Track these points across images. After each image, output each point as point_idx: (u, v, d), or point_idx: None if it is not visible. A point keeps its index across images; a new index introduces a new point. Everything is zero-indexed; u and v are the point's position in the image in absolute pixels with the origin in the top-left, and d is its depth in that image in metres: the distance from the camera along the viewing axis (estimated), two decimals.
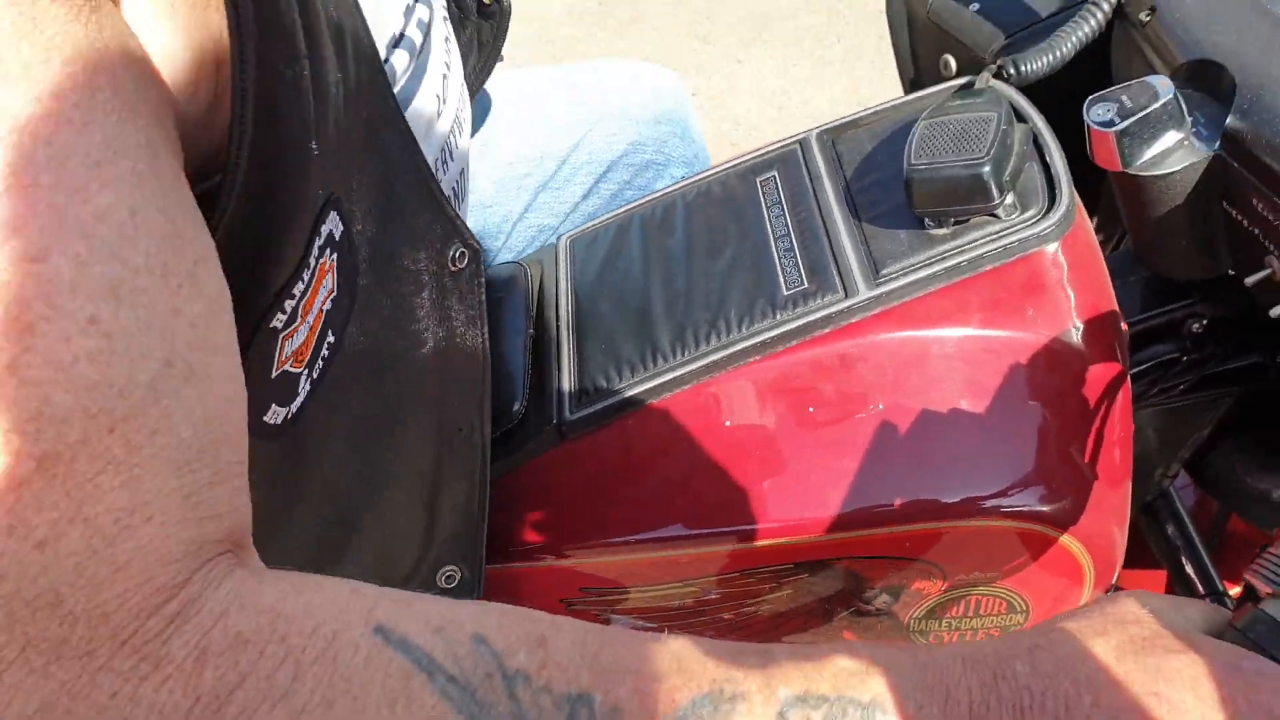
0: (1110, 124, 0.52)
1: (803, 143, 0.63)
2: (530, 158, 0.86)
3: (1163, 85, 0.52)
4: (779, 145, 0.64)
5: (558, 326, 0.61)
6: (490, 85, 0.85)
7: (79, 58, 0.28)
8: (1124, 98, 0.53)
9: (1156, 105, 0.51)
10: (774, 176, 0.62)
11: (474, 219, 0.84)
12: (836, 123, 0.64)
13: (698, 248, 0.61)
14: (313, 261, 0.40)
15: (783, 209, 0.60)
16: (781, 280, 0.56)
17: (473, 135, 0.81)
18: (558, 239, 0.69)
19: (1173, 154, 0.52)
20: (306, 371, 0.42)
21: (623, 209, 0.68)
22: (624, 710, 0.30)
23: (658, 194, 0.67)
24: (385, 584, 0.32)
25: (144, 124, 0.30)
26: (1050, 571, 0.54)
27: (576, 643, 0.31)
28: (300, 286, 0.39)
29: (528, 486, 0.58)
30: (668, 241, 0.63)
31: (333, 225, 0.41)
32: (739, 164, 0.65)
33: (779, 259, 0.58)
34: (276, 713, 0.27)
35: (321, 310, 0.42)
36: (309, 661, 0.28)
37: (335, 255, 0.42)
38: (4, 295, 0.26)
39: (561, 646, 0.31)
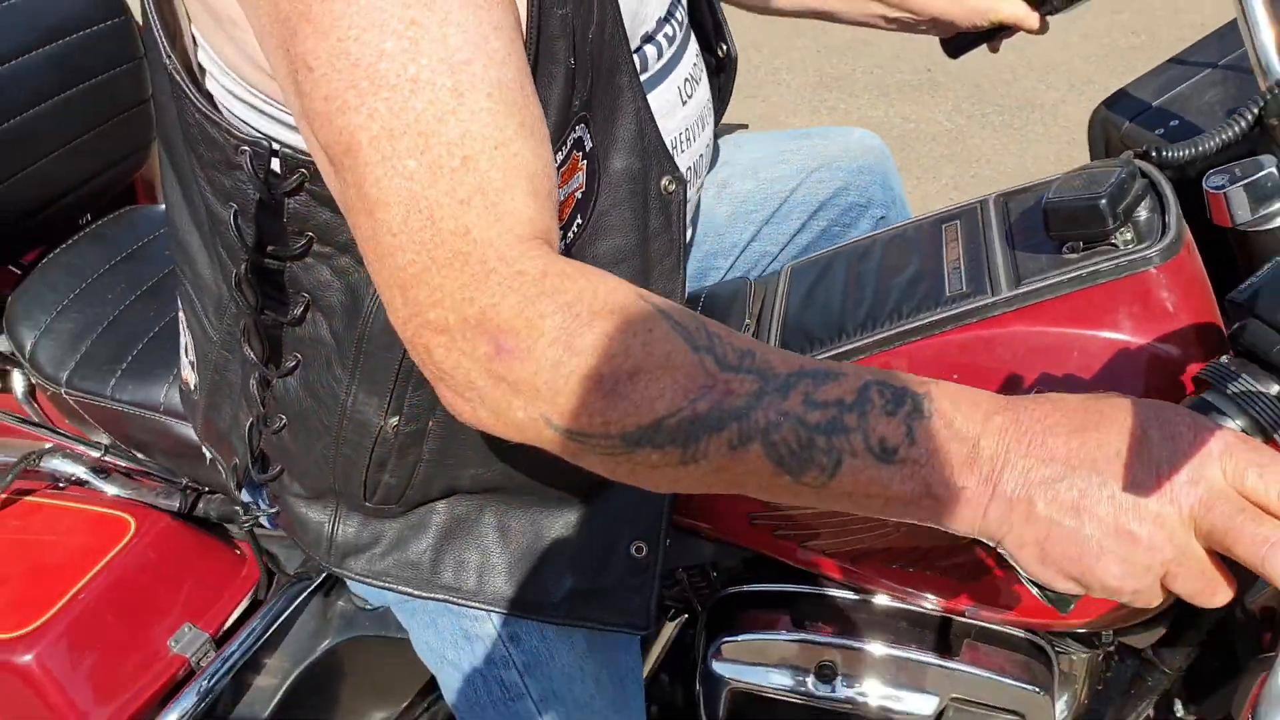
0: (1221, 188, 0.68)
1: (982, 202, 0.82)
2: (758, 197, 1.08)
3: (1266, 159, 0.67)
4: (966, 203, 0.83)
5: (771, 325, 0.83)
6: (735, 139, 1.09)
7: None
8: (1236, 169, 0.69)
9: (1260, 174, 0.67)
10: (956, 224, 0.82)
11: (710, 242, 1.07)
12: (1012, 188, 0.83)
13: (887, 270, 0.81)
14: (568, 144, 0.64)
15: (959, 245, 0.79)
16: (947, 287, 0.75)
17: (710, 172, 1.04)
18: (781, 267, 0.91)
19: (1275, 217, 0.67)
20: (562, 231, 0.65)
21: (834, 247, 0.89)
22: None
23: (864, 236, 0.88)
24: None
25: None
26: None
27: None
28: (560, 155, 0.62)
29: None
30: (864, 267, 0.83)
31: (582, 134, 0.65)
32: (931, 215, 0.85)
33: (948, 274, 0.77)
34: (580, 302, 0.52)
35: (573, 195, 0.66)
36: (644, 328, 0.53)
37: (585, 161, 0.66)
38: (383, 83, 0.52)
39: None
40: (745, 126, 1.18)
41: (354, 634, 1.04)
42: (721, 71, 0.92)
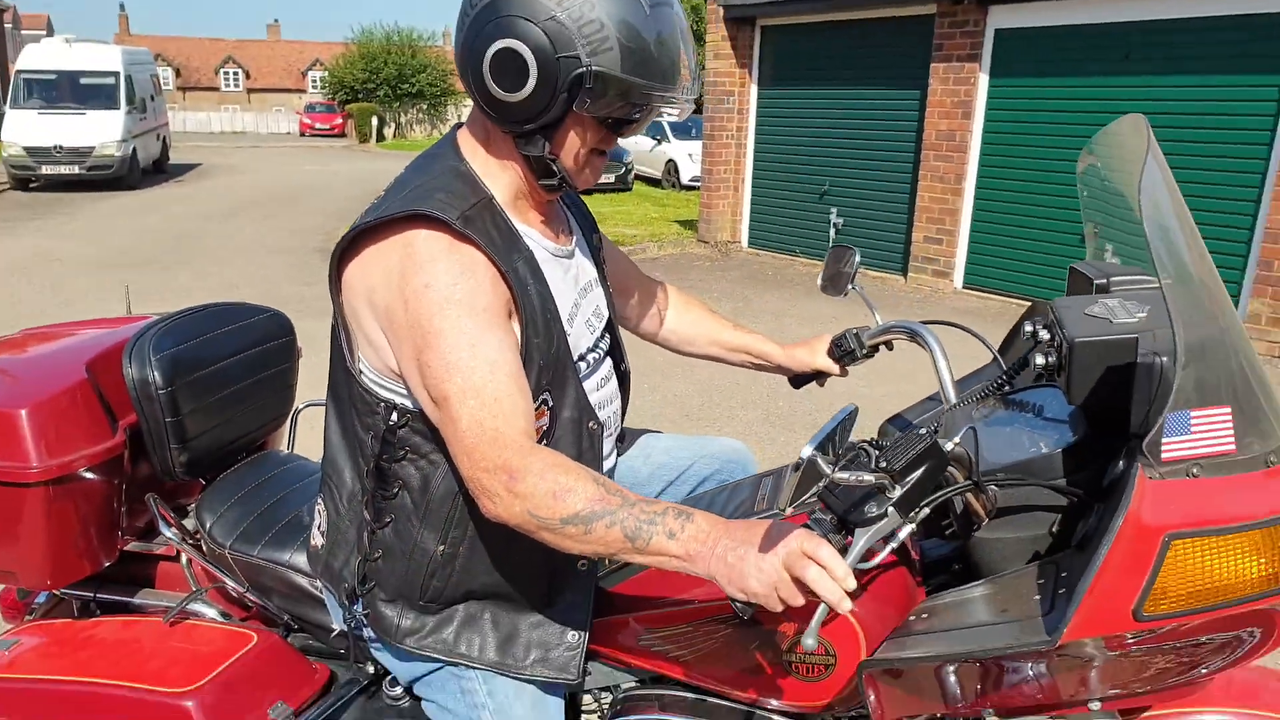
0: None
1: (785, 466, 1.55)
2: (669, 465, 1.80)
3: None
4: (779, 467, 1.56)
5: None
6: (657, 436, 1.82)
7: (490, 299, 1.28)
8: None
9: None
10: (770, 476, 1.53)
11: (636, 489, 1.77)
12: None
13: (734, 495, 1.51)
14: (539, 401, 1.34)
15: (769, 483, 1.50)
16: (754, 504, 1.45)
17: (634, 446, 1.77)
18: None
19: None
20: None
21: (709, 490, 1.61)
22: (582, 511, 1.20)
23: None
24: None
25: (503, 325, 1.28)
26: None
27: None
28: (536, 406, 1.34)
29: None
30: (720, 496, 1.53)
31: (546, 397, 1.36)
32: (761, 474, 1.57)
33: (758, 499, 1.47)
34: (567, 496, 1.20)
35: (540, 428, 1.36)
36: (574, 477, 1.21)
37: (549, 410, 1.36)
38: (459, 368, 1.24)
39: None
40: (660, 431, 1.93)
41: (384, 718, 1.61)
42: (625, 376, 1.67)
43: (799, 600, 1.14)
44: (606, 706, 1.60)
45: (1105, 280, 1.55)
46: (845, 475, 1.15)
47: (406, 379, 1.31)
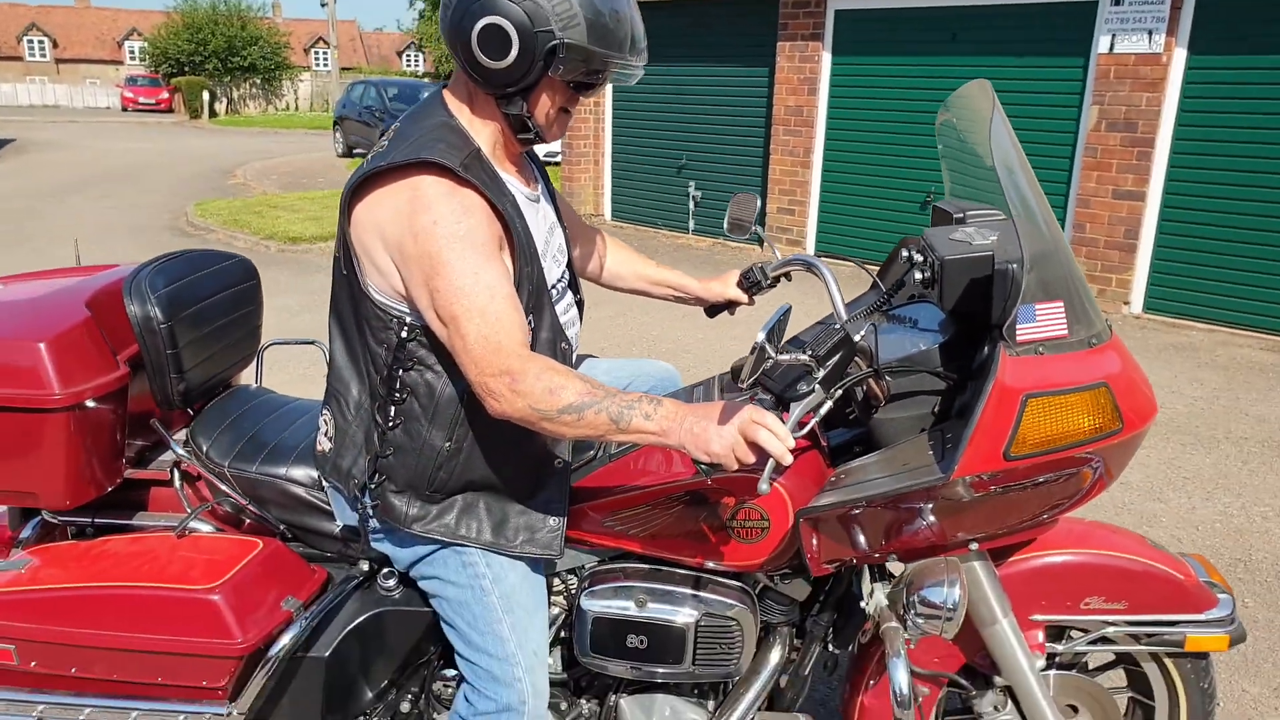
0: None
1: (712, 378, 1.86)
2: (609, 384, 2.09)
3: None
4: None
5: None
6: (597, 360, 2.12)
7: (487, 234, 1.54)
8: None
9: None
10: (701, 386, 1.85)
11: None
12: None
13: None
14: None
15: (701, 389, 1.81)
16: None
17: (581, 364, 2.06)
18: None
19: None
20: None
21: None
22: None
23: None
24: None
25: (498, 257, 1.56)
26: None
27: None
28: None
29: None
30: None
31: (530, 319, 1.62)
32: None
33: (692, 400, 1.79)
34: (563, 391, 1.48)
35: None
36: (565, 376, 1.50)
37: (530, 333, 1.62)
38: (465, 293, 1.50)
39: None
40: (598, 356, 2.22)
41: (381, 608, 1.84)
42: (581, 304, 1.95)
43: (751, 458, 1.46)
44: (575, 584, 1.90)
45: (962, 214, 1.95)
46: (785, 357, 1.49)
47: (416, 301, 1.56)
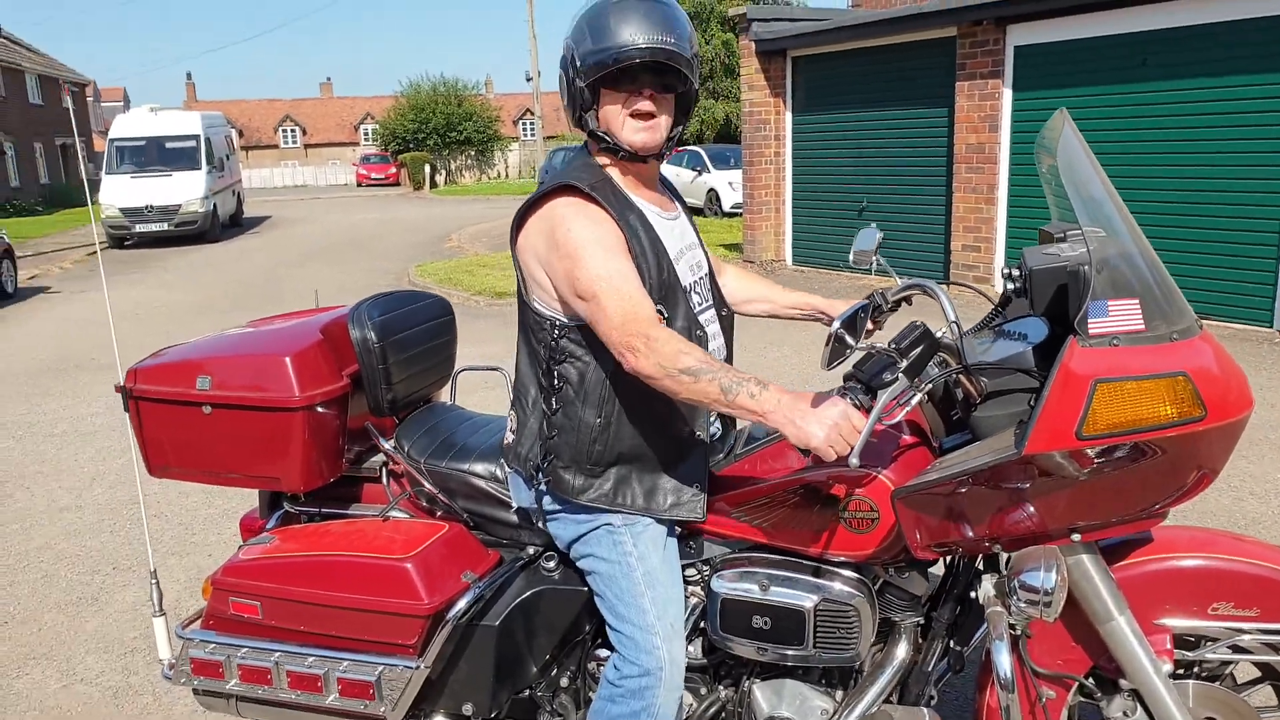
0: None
1: None
2: None
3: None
4: None
5: None
6: None
7: (615, 237, 1.85)
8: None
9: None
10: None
11: None
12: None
13: None
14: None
15: None
16: None
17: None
18: None
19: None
20: None
21: None
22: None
23: None
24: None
25: (625, 255, 1.87)
26: None
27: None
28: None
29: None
30: None
31: (660, 309, 1.90)
32: None
33: None
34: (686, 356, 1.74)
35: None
36: (690, 344, 1.79)
37: (664, 320, 1.90)
38: (603, 277, 1.80)
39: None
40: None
41: (543, 586, 2.17)
42: (726, 319, 2.21)
43: (841, 445, 1.68)
44: (707, 572, 2.15)
45: (1062, 234, 2.09)
46: (864, 345, 1.71)
47: (563, 294, 1.89)
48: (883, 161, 10.43)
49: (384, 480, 2.40)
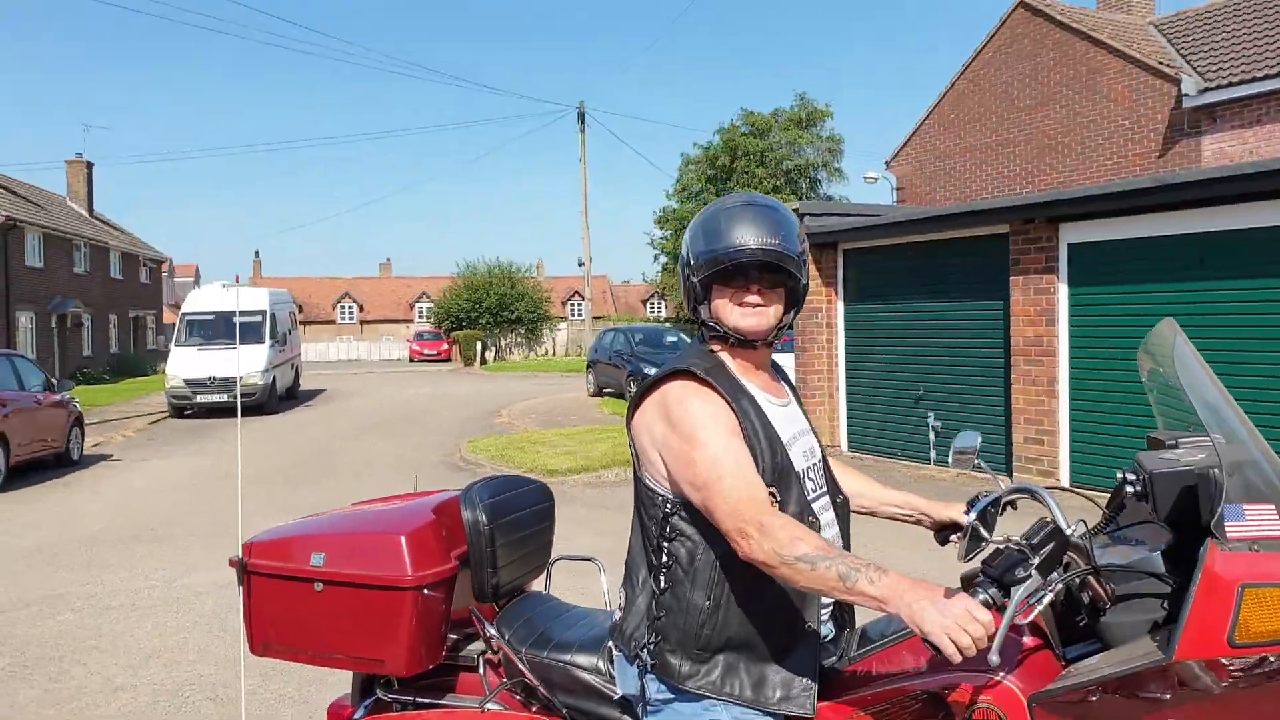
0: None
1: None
2: None
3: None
4: None
5: None
6: None
7: (729, 419, 1.90)
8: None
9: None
10: None
11: None
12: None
13: None
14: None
15: None
16: None
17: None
18: None
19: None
20: None
21: None
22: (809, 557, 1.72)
23: None
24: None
25: (739, 438, 1.90)
26: None
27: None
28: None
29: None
30: None
31: (773, 491, 1.93)
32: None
33: None
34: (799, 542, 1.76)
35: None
36: (805, 530, 1.79)
37: (777, 503, 1.92)
38: (720, 460, 1.84)
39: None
40: None
41: None
42: (841, 506, 2.23)
43: (966, 640, 1.64)
44: None
45: (1174, 441, 2.11)
46: (999, 539, 1.70)
47: (676, 476, 1.92)
48: (937, 351, 10.56)
49: (480, 670, 2.35)
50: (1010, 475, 9.58)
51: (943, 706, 1.88)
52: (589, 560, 2.70)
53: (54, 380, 12.89)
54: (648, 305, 63.23)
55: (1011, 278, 9.48)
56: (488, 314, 47.19)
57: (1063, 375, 9.17)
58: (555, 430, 15.05)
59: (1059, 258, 9.12)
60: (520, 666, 2.24)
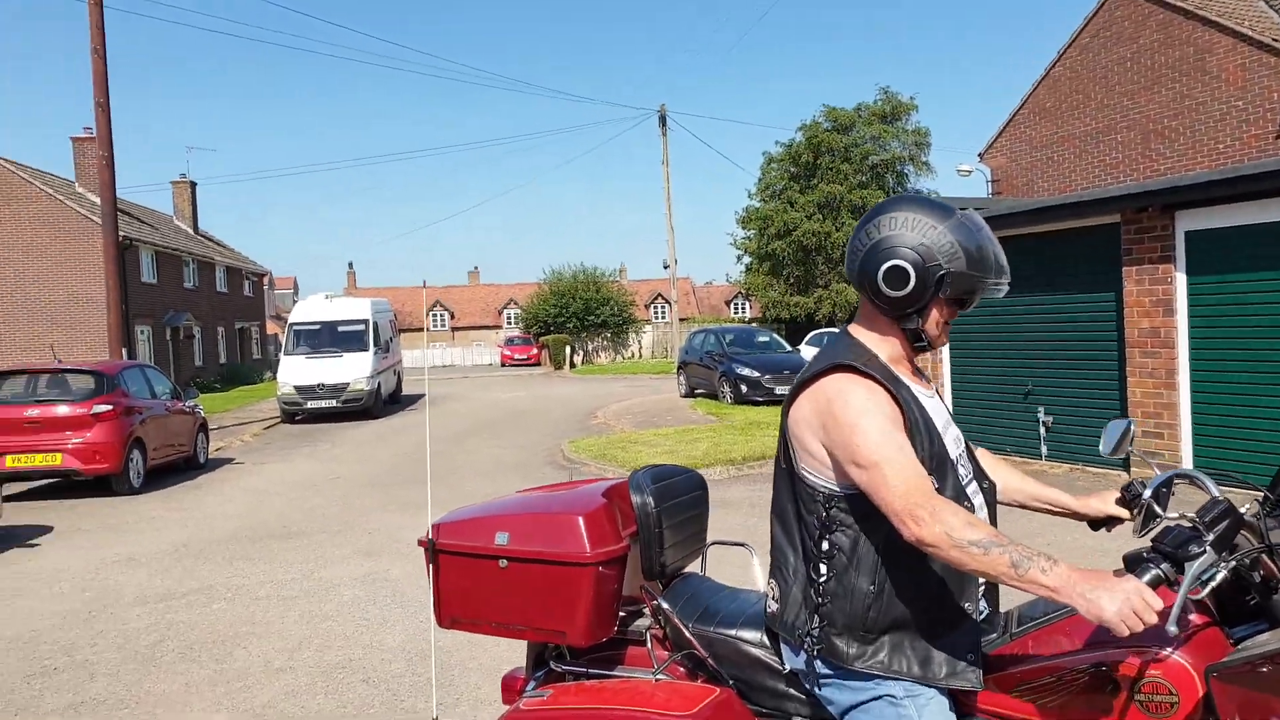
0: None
1: None
2: None
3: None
4: None
5: None
6: None
7: (891, 410, 1.98)
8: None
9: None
10: None
11: None
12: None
13: None
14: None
15: None
16: None
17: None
18: None
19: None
20: None
21: None
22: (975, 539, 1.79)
23: None
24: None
25: (901, 428, 1.97)
26: None
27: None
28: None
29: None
30: None
31: (932, 480, 1.99)
32: None
33: None
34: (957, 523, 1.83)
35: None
36: (974, 516, 1.89)
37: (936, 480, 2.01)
38: (883, 445, 1.91)
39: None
40: None
41: None
42: (988, 491, 2.27)
43: (1139, 625, 1.69)
44: None
45: None
46: (1174, 515, 1.74)
47: (841, 462, 1.99)
48: (1045, 345, 10.33)
49: (647, 643, 2.48)
50: (1127, 470, 9.33)
51: (1108, 681, 1.92)
52: (741, 545, 2.81)
53: (180, 389, 13.60)
54: (731, 305, 63.00)
55: (1124, 268, 9.23)
56: (574, 318, 47.80)
57: (1183, 367, 8.88)
58: (652, 430, 15.21)
59: (1175, 246, 8.84)
60: (689, 638, 2.36)
